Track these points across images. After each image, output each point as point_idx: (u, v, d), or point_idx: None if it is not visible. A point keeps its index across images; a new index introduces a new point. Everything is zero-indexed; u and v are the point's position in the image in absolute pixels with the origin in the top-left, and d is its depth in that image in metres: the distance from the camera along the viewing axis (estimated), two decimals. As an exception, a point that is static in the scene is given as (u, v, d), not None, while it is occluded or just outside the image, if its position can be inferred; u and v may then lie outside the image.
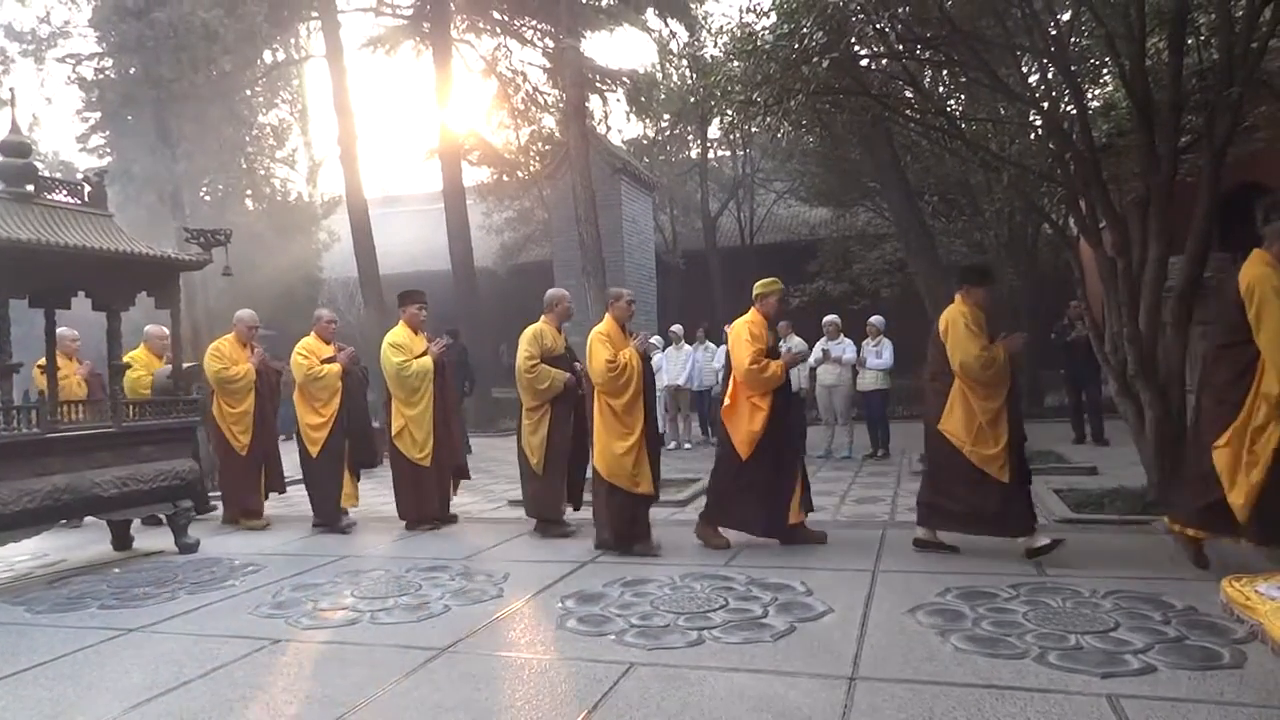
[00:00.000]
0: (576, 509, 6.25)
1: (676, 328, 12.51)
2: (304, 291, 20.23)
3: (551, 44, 18.26)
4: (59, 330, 7.25)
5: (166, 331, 7.42)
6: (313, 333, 6.91)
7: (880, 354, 10.15)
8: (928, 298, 9.93)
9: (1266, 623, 3.18)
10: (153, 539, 6.32)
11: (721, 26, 7.31)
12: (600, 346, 5.40)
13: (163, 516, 6.13)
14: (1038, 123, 6.94)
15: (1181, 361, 5.97)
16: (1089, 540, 5.04)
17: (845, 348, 10.28)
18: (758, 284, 5.64)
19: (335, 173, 28.70)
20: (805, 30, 5.88)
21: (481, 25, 19.65)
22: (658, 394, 12.32)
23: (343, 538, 6.31)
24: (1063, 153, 6.39)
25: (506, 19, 19.58)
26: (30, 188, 5.40)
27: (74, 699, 3.18)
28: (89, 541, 6.47)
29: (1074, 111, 6.55)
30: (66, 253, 5.15)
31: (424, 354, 6.45)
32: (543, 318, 6.22)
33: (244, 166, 19.66)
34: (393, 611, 4.16)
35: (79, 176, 6.17)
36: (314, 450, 6.63)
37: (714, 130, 20.99)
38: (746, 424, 5.28)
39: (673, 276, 20.57)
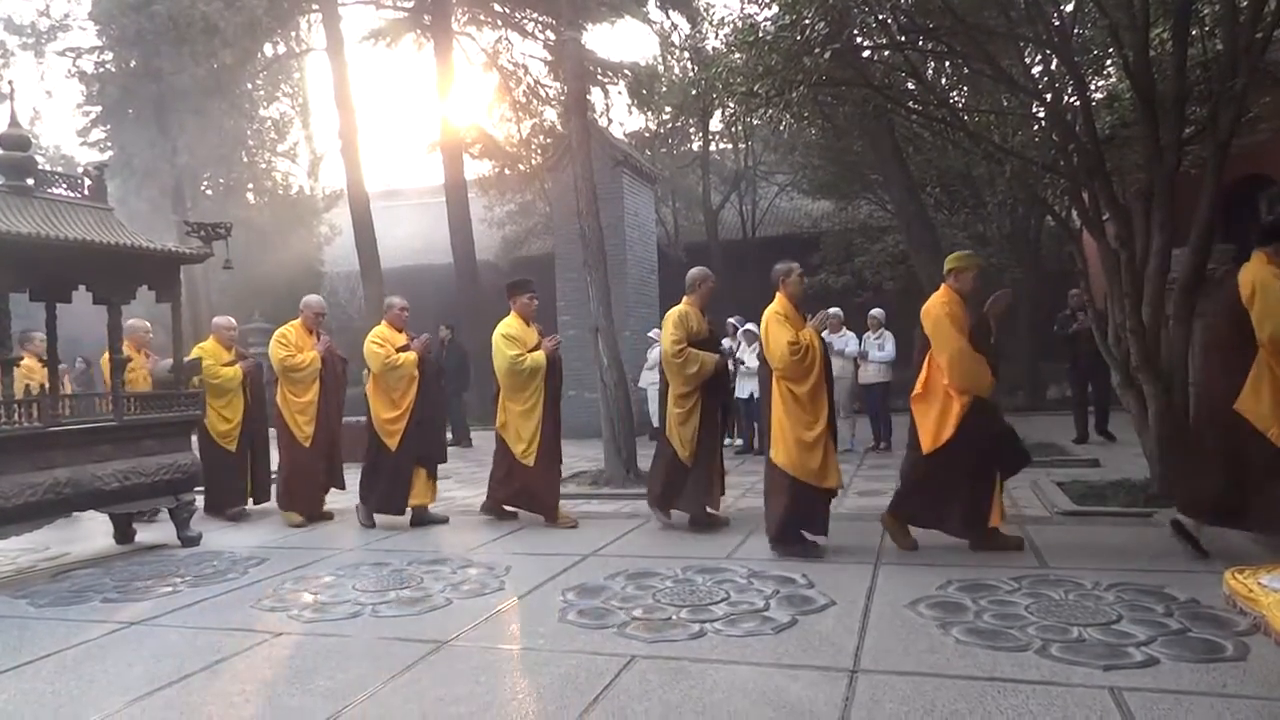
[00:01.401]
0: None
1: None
2: (305, 285, 20.21)
3: (553, 36, 18.21)
4: (130, 321, 7.30)
5: (235, 322, 7.45)
6: (384, 320, 6.55)
7: (882, 347, 10.15)
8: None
9: (1269, 615, 3.18)
10: (155, 533, 6.33)
11: (723, 18, 7.32)
12: (779, 327, 4.90)
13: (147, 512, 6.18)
14: (1041, 114, 6.91)
15: (1184, 353, 5.96)
16: (1091, 533, 5.04)
17: (848, 340, 10.27)
18: (951, 258, 5.03)
19: (336, 166, 28.69)
20: (807, 21, 5.86)
21: (482, 18, 19.60)
22: (657, 387, 12.40)
23: (342, 530, 6.29)
24: (1066, 144, 6.37)
25: (508, 11, 19.52)
26: (30, 182, 5.39)
27: (76, 692, 3.18)
28: (91, 535, 6.48)
29: (1077, 103, 6.51)
30: (67, 246, 5.14)
31: (537, 348, 6.16)
32: (685, 299, 5.87)
33: (245, 160, 19.67)
34: (394, 604, 4.16)
35: (79, 170, 6.16)
36: (392, 444, 6.25)
37: (716, 123, 20.92)
38: (937, 417, 4.72)
39: (674, 269, 20.50)
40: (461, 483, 9.33)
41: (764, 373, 5.12)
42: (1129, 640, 3.18)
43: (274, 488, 7.10)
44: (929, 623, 3.52)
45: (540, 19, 18.98)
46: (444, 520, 6.42)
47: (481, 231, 19.89)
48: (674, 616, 3.74)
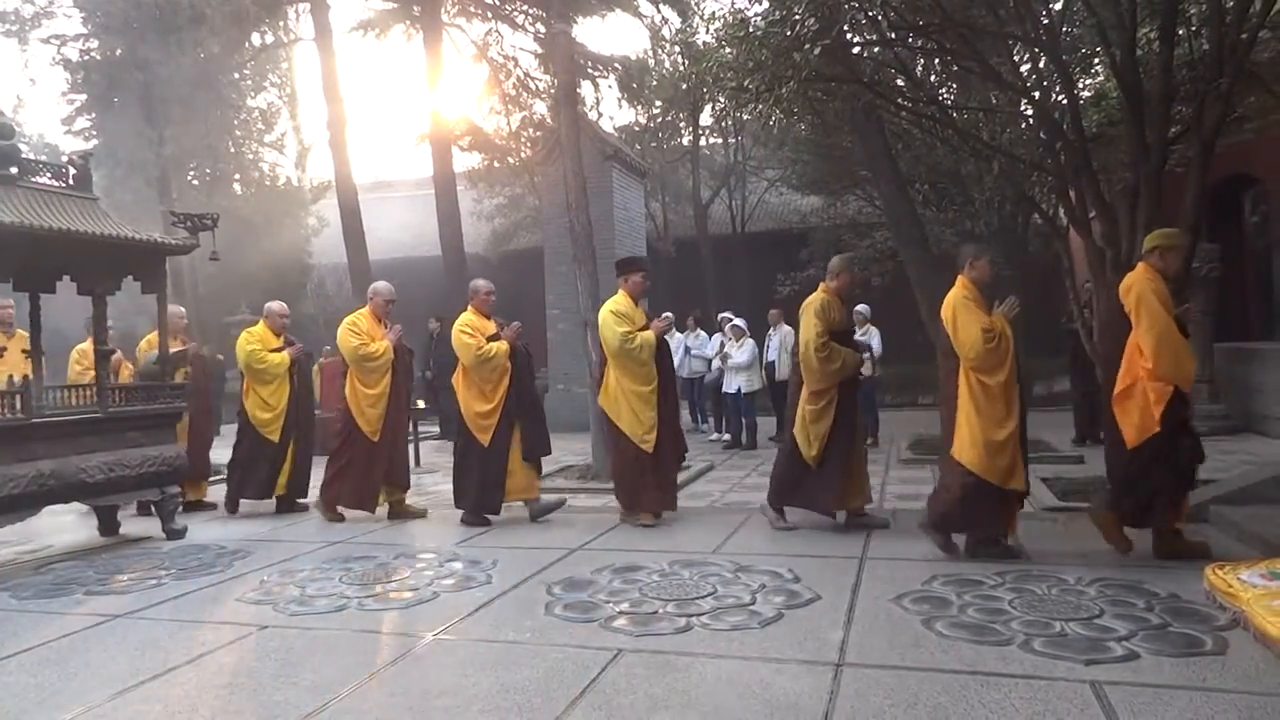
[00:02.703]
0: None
1: (668, 315, 12.49)
2: (293, 277, 20.15)
3: (543, 29, 18.12)
4: (171, 308, 7.17)
5: (286, 308, 7.21)
6: (470, 307, 6.18)
7: (869, 343, 10.17)
8: (918, 287, 9.94)
9: (1248, 610, 3.21)
10: (139, 525, 6.29)
11: (714, 13, 7.31)
12: (969, 314, 4.50)
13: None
14: (1029, 112, 6.95)
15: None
16: (1075, 528, 5.07)
17: (835, 336, 10.29)
18: (1156, 235, 4.59)
19: (324, 157, 28.54)
20: (797, 17, 5.87)
21: (472, 9, 19.48)
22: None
23: (329, 524, 6.27)
24: (1053, 142, 6.41)
25: (498, 3, 19.42)
26: (14, 170, 5.33)
27: (59, 685, 3.16)
28: (75, 527, 6.44)
29: (1065, 101, 6.56)
30: (51, 236, 5.09)
31: (645, 327, 5.84)
32: (822, 286, 5.49)
33: (232, 150, 19.54)
34: (380, 598, 4.16)
35: (64, 159, 6.10)
36: (485, 439, 5.91)
37: (706, 117, 20.89)
38: (1140, 412, 4.37)
39: (664, 264, 20.54)
40: (448, 476, 9.31)
41: (949, 365, 4.65)
42: (1110, 635, 3.21)
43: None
44: (914, 617, 3.54)
45: (530, 11, 18.89)
46: (561, 503, 6.25)
47: (470, 224, 19.82)
48: (660, 610, 3.75)
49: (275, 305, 7.15)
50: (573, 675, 3.05)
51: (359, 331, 6.34)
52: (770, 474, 5.66)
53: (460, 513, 6.16)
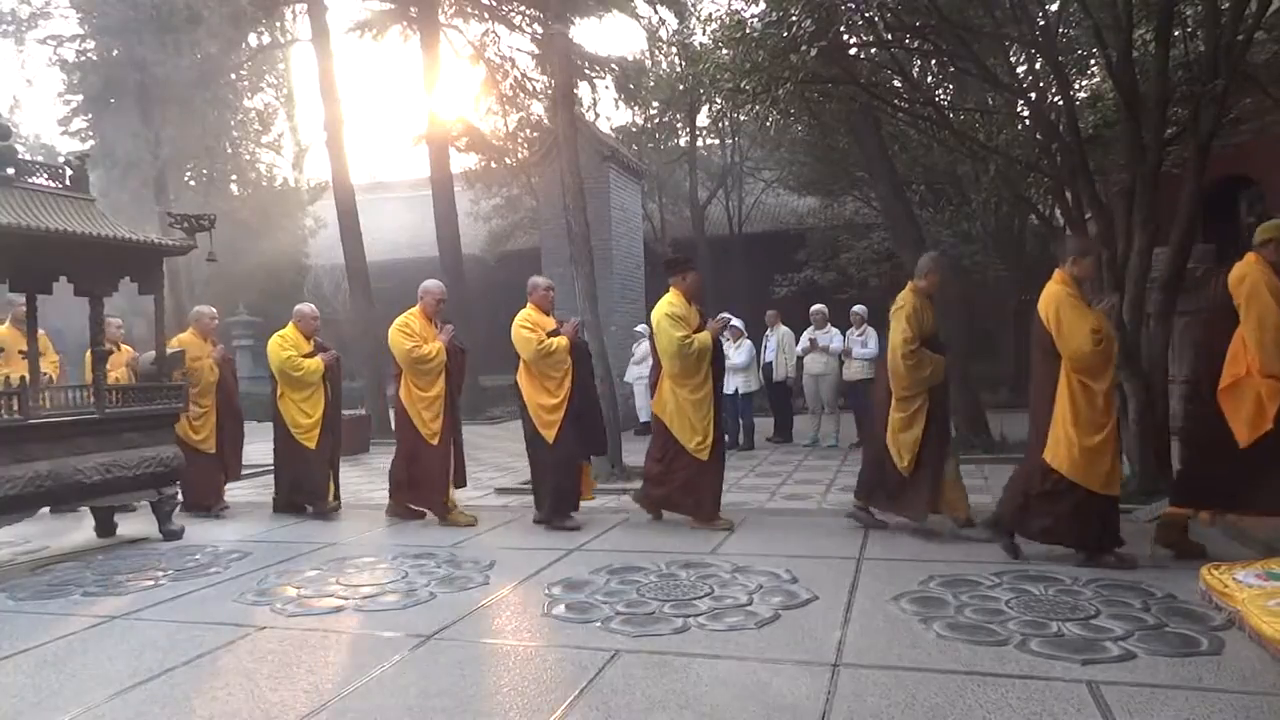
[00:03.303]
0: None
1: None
2: (290, 278, 20.14)
3: (540, 30, 18.14)
4: (197, 308, 7.20)
5: (317, 310, 7.02)
6: (529, 303, 6.04)
7: (865, 344, 10.19)
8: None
9: (1244, 610, 3.22)
10: (136, 526, 6.28)
11: (711, 14, 7.32)
12: (1076, 314, 4.31)
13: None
14: (1025, 113, 6.96)
15: (1165, 351, 6.03)
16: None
17: (833, 337, 10.32)
18: (1269, 227, 4.35)
19: (321, 158, 28.54)
20: (794, 18, 5.88)
21: (469, 10, 19.49)
22: (644, 382, 12.42)
23: (327, 524, 6.27)
24: (1049, 143, 6.42)
25: (495, 4, 19.43)
26: (10, 171, 5.33)
27: (57, 686, 3.16)
28: (72, 528, 6.42)
29: (1061, 102, 6.57)
30: (47, 237, 5.08)
31: (701, 328, 5.66)
32: (910, 286, 5.33)
33: (229, 151, 19.53)
34: (378, 599, 4.16)
35: (60, 160, 6.09)
36: (550, 435, 5.73)
37: (703, 118, 20.93)
38: (1252, 409, 4.20)
39: (660, 265, 20.52)
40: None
41: (1048, 364, 4.42)
42: (1107, 635, 3.21)
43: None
44: (911, 618, 3.55)
45: (528, 12, 18.91)
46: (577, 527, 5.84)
47: (467, 225, 19.82)
48: (658, 611, 3.75)
49: (306, 308, 6.96)
50: (570, 676, 3.05)
51: (411, 333, 6.11)
52: (859, 477, 5.53)
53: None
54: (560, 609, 3.87)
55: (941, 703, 2.71)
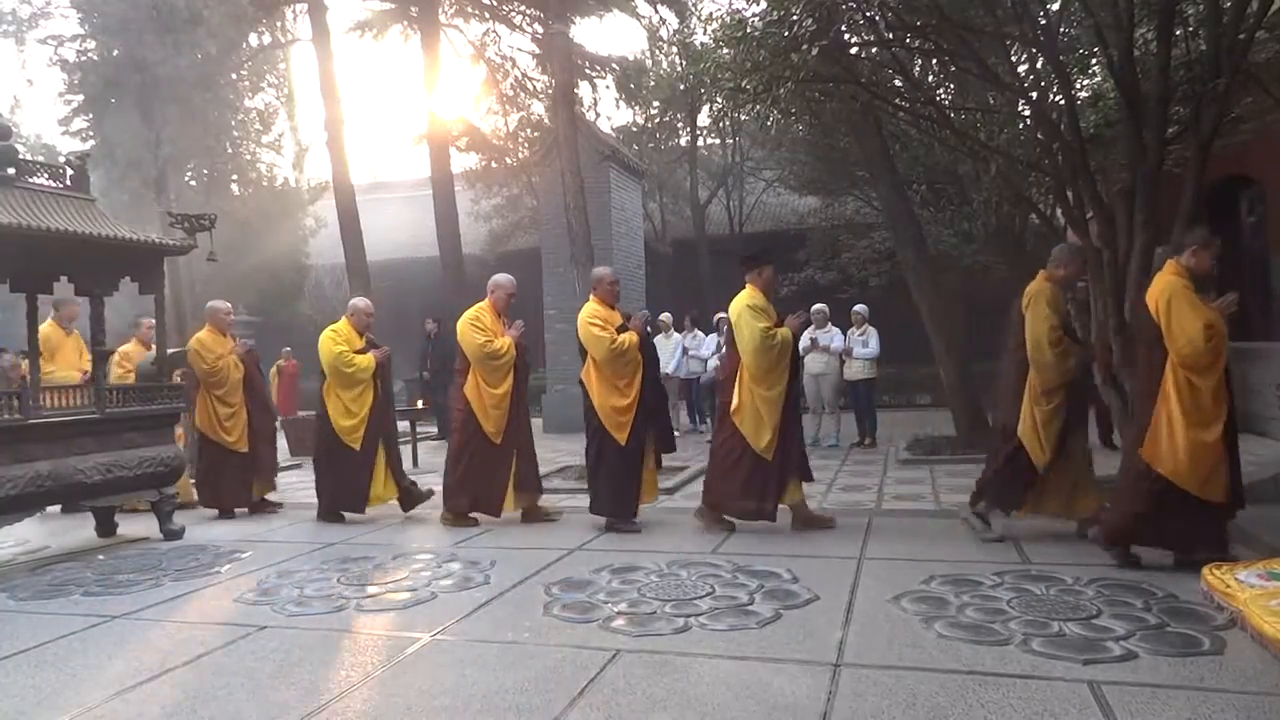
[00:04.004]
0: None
1: (665, 316, 12.52)
2: (290, 278, 20.12)
3: (541, 29, 18.12)
4: (211, 303, 7.14)
5: (371, 305, 6.78)
6: (592, 297, 5.85)
7: (866, 343, 10.20)
8: (915, 287, 9.97)
9: (1246, 610, 3.22)
10: (137, 526, 6.28)
11: (711, 13, 7.30)
12: (1190, 308, 4.09)
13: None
14: (1026, 112, 6.95)
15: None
16: (1072, 528, 5.07)
17: (833, 336, 10.33)
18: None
19: (322, 158, 28.53)
20: (795, 18, 5.87)
21: (470, 10, 19.48)
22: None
23: (323, 527, 6.25)
24: (1050, 143, 6.41)
25: (495, 4, 19.41)
26: (11, 171, 5.33)
27: (57, 686, 3.16)
28: (73, 528, 6.42)
29: (1062, 101, 6.55)
30: (48, 237, 5.09)
31: (781, 323, 5.46)
32: (1043, 274, 5.06)
33: (229, 151, 19.49)
34: (379, 598, 4.16)
35: (61, 160, 6.09)
36: (622, 436, 5.54)
37: (703, 118, 20.92)
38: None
39: (661, 264, 20.53)
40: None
41: (1155, 357, 4.23)
42: (1108, 635, 3.21)
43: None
44: (912, 617, 3.55)
45: (528, 11, 18.89)
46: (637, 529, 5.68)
47: (468, 225, 19.80)
48: (659, 611, 3.75)
49: (361, 302, 6.74)
50: (571, 675, 3.05)
51: (483, 328, 5.92)
52: (980, 478, 5.26)
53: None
54: (561, 608, 3.87)
55: (943, 702, 2.71)
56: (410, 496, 6.54)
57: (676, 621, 3.59)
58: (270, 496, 7.18)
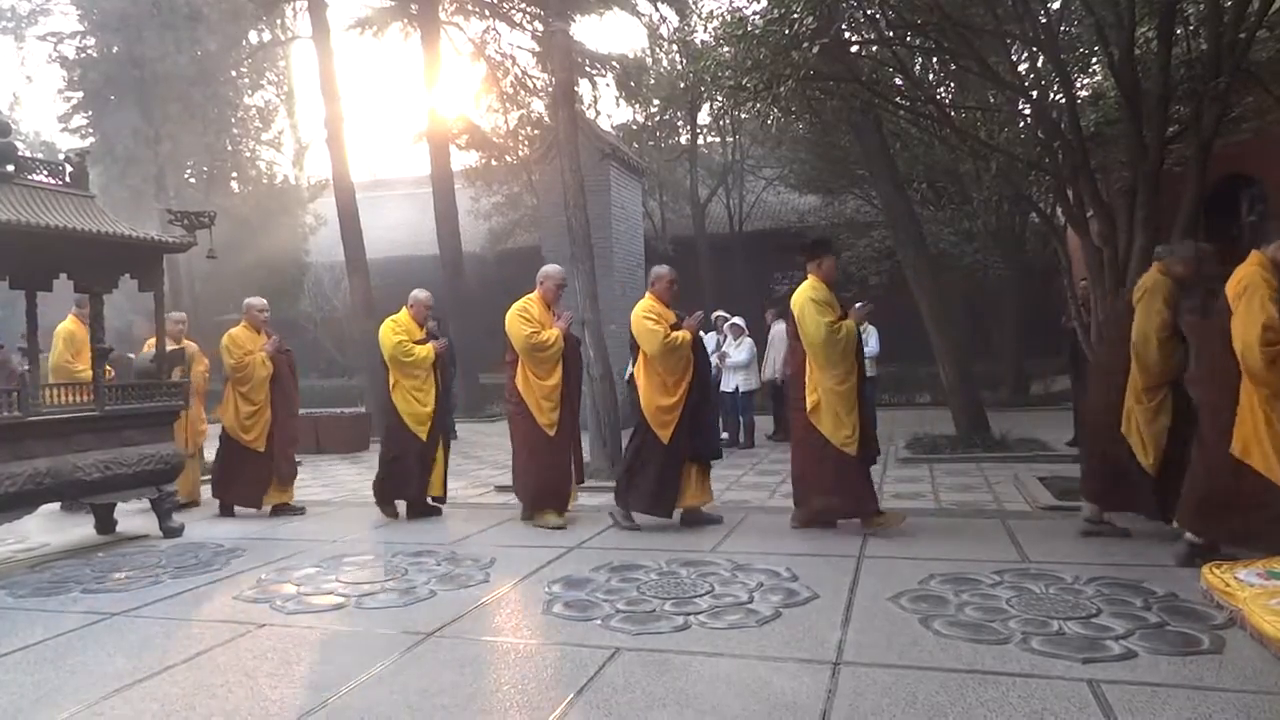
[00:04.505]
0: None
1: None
2: (290, 275, 20.14)
3: (541, 27, 18.13)
4: (247, 300, 7.04)
5: (431, 297, 6.61)
6: (649, 294, 5.75)
7: (866, 342, 10.17)
8: (915, 286, 9.97)
9: (1245, 609, 3.22)
10: (136, 523, 6.27)
11: (712, 11, 7.31)
12: (1257, 304, 3.93)
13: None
14: (1026, 111, 6.95)
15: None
16: (1072, 527, 5.08)
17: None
18: None
19: (322, 156, 28.48)
20: (795, 16, 5.87)
21: (470, 7, 19.48)
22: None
23: (323, 524, 6.26)
24: (1051, 141, 6.41)
25: (495, 1, 19.42)
26: (10, 168, 5.32)
27: (56, 683, 3.16)
28: (72, 525, 6.42)
29: (1063, 100, 6.56)
30: (47, 234, 5.08)
31: (845, 316, 5.36)
32: (1158, 267, 4.86)
33: (229, 148, 19.51)
34: (378, 596, 4.15)
35: (60, 157, 6.08)
36: (665, 435, 5.45)
37: (704, 116, 20.93)
38: None
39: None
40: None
41: (1229, 348, 4.00)
42: (1108, 634, 3.21)
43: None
44: (911, 616, 3.54)
45: (528, 9, 18.91)
46: (718, 520, 5.67)
47: (468, 223, 19.82)
48: (658, 609, 3.75)
49: (421, 294, 6.57)
50: (571, 673, 3.04)
51: (530, 318, 5.84)
52: (1084, 483, 5.16)
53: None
54: (560, 607, 3.86)
55: (942, 701, 2.70)
56: (432, 508, 6.45)
57: (676, 620, 3.58)
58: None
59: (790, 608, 3.72)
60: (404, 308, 6.49)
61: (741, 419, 10.59)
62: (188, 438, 7.18)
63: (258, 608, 4.04)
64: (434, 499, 6.42)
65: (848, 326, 5.25)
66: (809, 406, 5.26)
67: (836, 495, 5.21)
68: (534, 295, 6.03)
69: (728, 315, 11.07)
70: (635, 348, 5.72)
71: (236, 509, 6.78)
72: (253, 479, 6.68)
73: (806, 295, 5.31)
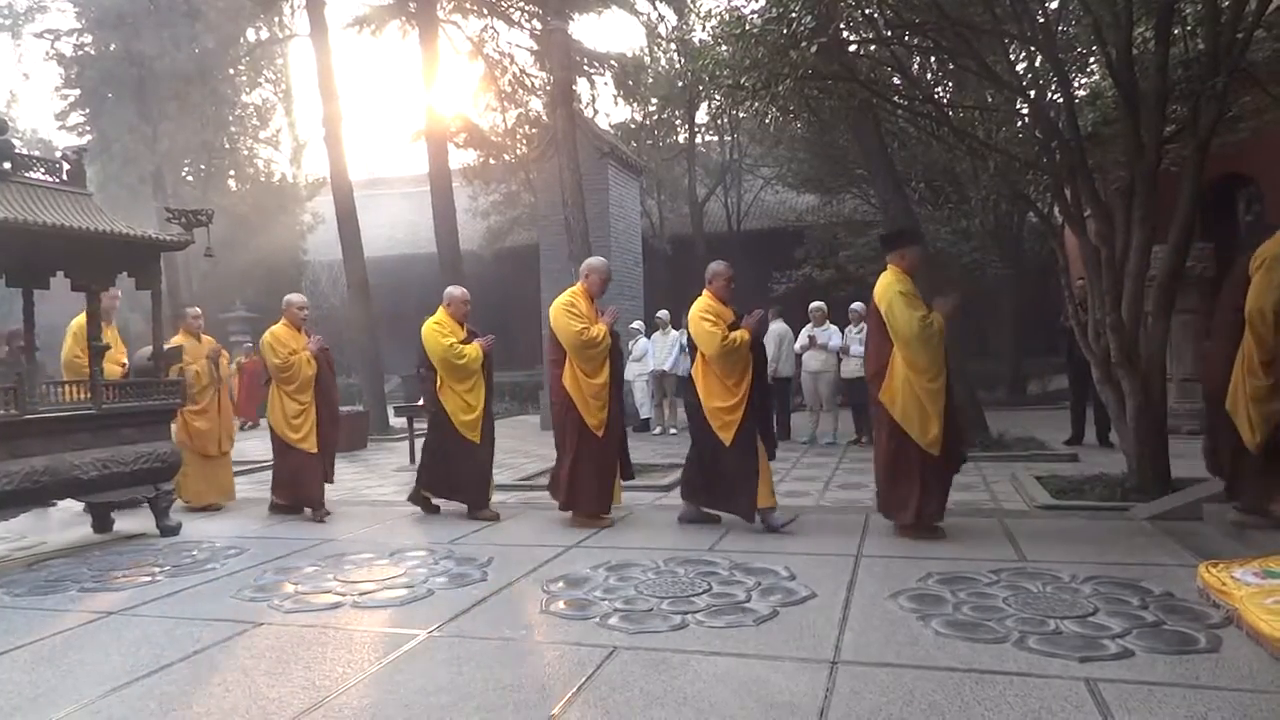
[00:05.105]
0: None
1: (663, 313, 12.54)
2: (287, 274, 20.11)
3: (539, 26, 18.09)
4: (287, 297, 6.93)
5: (467, 294, 6.50)
6: (706, 292, 5.55)
7: (864, 341, 10.19)
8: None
9: (1242, 608, 3.22)
10: (133, 522, 6.27)
11: (710, 10, 7.30)
12: None
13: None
14: (1024, 111, 6.95)
15: (1163, 349, 6.04)
16: (1069, 526, 5.09)
17: (831, 334, 10.33)
18: None
19: (319, 154, 28.49)
20: (794, 15, 5.87)
21: (468, 5, 19.43)
22: (644, 379, 12.44)
23: (324, 524, 6.23)
24: (1049, 141, 6.41)
25: (494, -1, 19.39)
26: (7, 165, 5.31)
27: (53, 682, 3.15)
28: (69, 523, 6.41)
29: (1060, 100, 6.56)
30: (44, 232, 5.07)
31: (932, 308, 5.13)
32: (1275, 239, 4.53)
33: (226, 146, 19.49)
34: (376, 595, 4.15)
35: (57, 154, 6.07)
36: (726, 437, 5.29)
37: (702, 115, 20.93)
38: None
39: (659, 262, 20.53)
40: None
41: None
42: (1105, 632, 3.21)
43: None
44: (909, 615, 3.55)
45: (526, 8, 18.86)
46: (792, 518, 5.46)
47: (466, 222, 19.78)
48: (656, 608, 3.75)
49: (458, 291, 6.43)
50: (568, 672, 3.05)
51: (579, 314, 5.63)
52: (1209, 463, 4.93)
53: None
54: (559, 605, 3.86)
55: (940, 700, 2.71)
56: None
57: (674, 619, 3.59)
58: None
59: (788, 607, 3.72)
60: (440, 307, 6.32)
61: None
62: (220, 435, 7.11)
63: (255, 606, 4.04)
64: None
65: (938, 321, 4.99)
66: (893, 404, 4.99)
67: (916, 499, 4.93)
68: (578, 289, 5.86)
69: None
70: (693, 347, 5.54)
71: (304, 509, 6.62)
72: (312, 478, 6.47)
73: (893, 289, 5.05)
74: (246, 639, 3.58)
